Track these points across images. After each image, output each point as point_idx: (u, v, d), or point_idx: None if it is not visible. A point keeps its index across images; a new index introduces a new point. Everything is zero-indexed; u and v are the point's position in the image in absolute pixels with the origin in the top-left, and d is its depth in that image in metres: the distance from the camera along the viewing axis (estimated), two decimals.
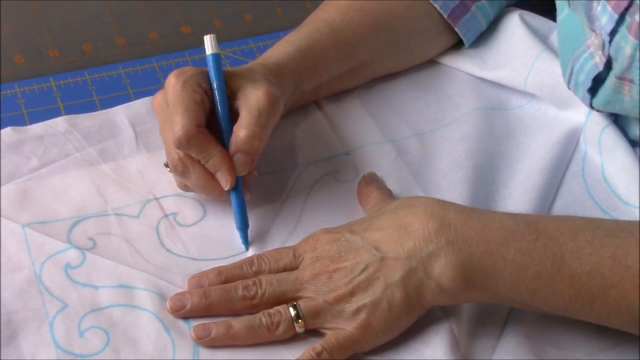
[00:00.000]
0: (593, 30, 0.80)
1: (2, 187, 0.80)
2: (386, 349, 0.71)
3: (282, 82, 0.82)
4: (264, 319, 0.71)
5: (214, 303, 0.72)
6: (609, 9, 0.76)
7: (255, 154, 0.78)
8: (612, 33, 0.76)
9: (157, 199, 0.81)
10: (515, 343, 0.72)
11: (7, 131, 0.85)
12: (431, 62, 0.97)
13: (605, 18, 0.77)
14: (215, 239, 0.78)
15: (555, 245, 0.69)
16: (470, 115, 0.90)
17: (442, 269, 0.69)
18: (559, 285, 0.68)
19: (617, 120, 0.84)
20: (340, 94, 0.92)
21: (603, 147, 0.84)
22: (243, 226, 0.78)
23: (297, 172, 0.85)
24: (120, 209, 0.80)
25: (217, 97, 0.78)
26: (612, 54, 0.77)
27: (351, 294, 0.70)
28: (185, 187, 0.81)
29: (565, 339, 0.73)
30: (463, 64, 0.95)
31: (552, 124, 0.89)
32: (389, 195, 0.81)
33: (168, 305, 0.73)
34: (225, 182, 0.77)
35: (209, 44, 0.80)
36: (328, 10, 0.91)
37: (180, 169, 0.78)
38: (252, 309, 0.72)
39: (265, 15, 1.09)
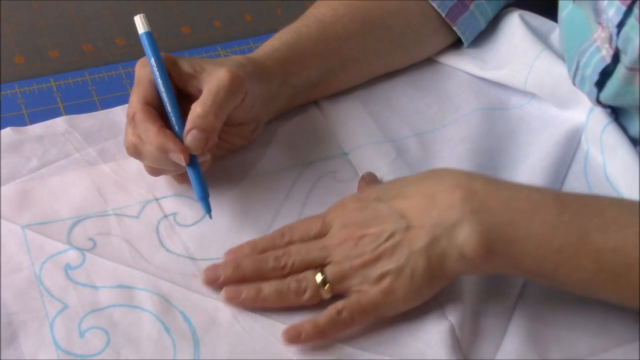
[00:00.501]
0: (599, 24, 0.80)
1: (2, 188, 0.80)
2: (387, 349, 0.71)
3: (264, 72, 0.83)
4: (292, 285, 0.72)
5: (246, 274, 0.74)
6: (617, 1, 0.77)
7: (210, 131, 0.77)
8: (620, 25, 0.77)
9: (157, 199, 0.81)
10: (518, 342, 0.72)
11: (7, 131, 0.85)
12: (431, 62, 0.97)
13: (613, 10, 0.77)
14: (215, 239, 0.78)
15: (580, 220, 0.69)
16: (471, 115, 0.90)
17: (465, 237, 0.69)
18: (582, 260, 0.68)
19: (618, 119, 0.84)
20: (340, 94, 0.92)
21: (604, 146, 0.84)
22: (203, 195, 0.77)
23: (297, 172, 0.85)
24: (120, 209, 0.80)
25: (157, 74, 0.78)
26: (620, 46, 0.78)
27: (376, 259, 0.71)
28: (153, 171, 0.80)
29: (568, 337, 0.72)
30: (463, 64, 0.95)
31: (553, 124, 0.89)
32: None
33: (202, 277, 0.74)
34: (178, 159, 0.76)
35: (139, 23, 0.80)
36: (319, 7, 0.91)
37: (131, 150, 0.78)
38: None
39: (265, 15, 1.09)
